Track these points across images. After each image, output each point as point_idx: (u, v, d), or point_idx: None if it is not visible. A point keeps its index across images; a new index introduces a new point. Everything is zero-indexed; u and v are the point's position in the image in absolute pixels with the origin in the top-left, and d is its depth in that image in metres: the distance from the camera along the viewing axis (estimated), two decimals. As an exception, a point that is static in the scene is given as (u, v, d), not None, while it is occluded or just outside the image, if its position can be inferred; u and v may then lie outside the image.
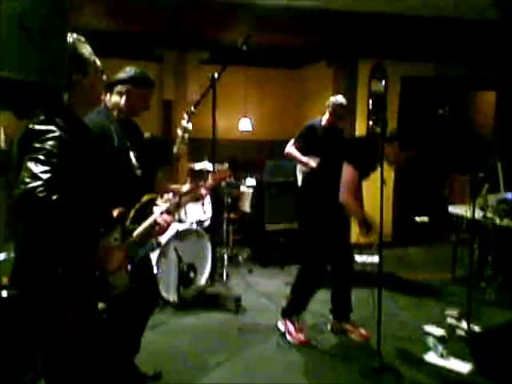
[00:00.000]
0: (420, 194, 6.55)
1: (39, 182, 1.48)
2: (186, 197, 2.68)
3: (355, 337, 3.56)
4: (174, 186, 3.46)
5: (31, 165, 1.52)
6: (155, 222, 2.18)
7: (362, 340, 3.51)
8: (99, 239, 1.74)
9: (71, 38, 1.78)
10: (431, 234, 6.46)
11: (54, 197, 1.49)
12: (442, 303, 4.28)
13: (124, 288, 1.86)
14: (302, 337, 3.47)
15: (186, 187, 4.53)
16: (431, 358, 3.26)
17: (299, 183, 4.35)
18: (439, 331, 3.36)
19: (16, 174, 1.56)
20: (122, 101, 2.52)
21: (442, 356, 3.23)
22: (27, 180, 1.49)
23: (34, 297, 1.67)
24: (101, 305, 1.73)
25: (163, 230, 2.25)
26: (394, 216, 6.51)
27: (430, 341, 3.36)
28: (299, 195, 3.86)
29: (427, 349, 3.33)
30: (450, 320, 3.78)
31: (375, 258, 5.29)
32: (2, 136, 4.18)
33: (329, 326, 3.70)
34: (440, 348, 3.26)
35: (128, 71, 2.56)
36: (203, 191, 2.80)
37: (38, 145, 1.56)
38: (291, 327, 3.51)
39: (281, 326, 3.60)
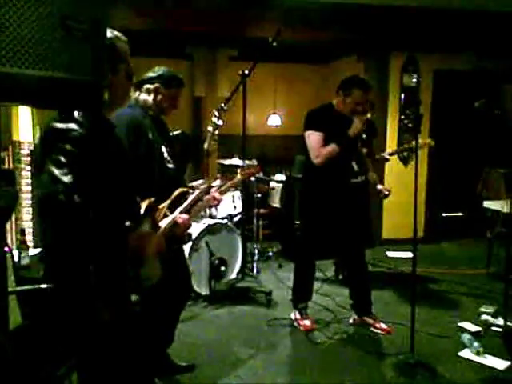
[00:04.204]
0: (453, 189, 6.42)
1: (60, 185, 1.47)
2: (204, 201, 2.64)
3: (377, 331, 3.56)
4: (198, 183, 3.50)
5: (52, 167, 1.51)
6: (175, 222, 2.18)
7: (385, 334, 3.51)
8: (128, 232, 1.72)
9: (111, 34, 1.76)
10: (465, 229, 6.32)
11: (76, 198, 1.49)
12: (477, 299, 4.20)
13: (157, 279, 1.86)
14: (307, 323, 3.61)
15: (215, 183, 4.59)
16: (466, 354, 3.20)
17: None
18: (475, 328, 3.30)
19: (38, 173, 1.57)
20: (150, 99, 2.56)
21: (477, 353, 3.17)
22: (48, 183, 1.49)
23: (66, 295, 1.69)
24: (134, 297, 1.73)
25: (183, 230, 2.24)
26: (426, 212, 6.40)
27: (466, 337, 3.31)
28: (301, 192, 3.82)
29: (462, 345, 3.28)
30: (485, 316, 3.71)
31: (408, 254, 5.23)
32: (38, 134, 4.31)
33: (351, 321, 3.71)
34: (476, 345, 3.20)
35: (157, 70, 2.59)
36: (217, 196, 2.76)
37: (59, 144, 1.55)
38: (298, 315, 3.67)
39: (292, 315, 3.73)
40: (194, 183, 2.76)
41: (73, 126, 1.57)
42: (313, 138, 3.40)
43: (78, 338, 1.76)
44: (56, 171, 1.49)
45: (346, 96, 3.39)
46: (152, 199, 1.89)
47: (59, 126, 1.58)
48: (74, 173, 1.50)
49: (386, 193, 4.11)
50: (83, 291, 1.65)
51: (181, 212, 2.20)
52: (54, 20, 1.22)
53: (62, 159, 1.51)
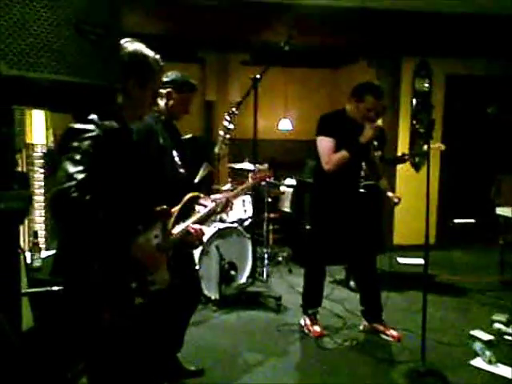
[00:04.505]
0: (466, 195, 6.37)
1: (73, 183, 1.50)
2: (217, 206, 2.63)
3: (387, 338, 3.53)
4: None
5: (67, 164, 1.54)
6: (188, 231, 2.18)
7: (395, 341, 3.48)
8: (136, 236, 1.73)
9: (149, 51, 1.83)
10: (477, 236, 6.26)
11: (88, 197, 1.51)
12: (489, 307, 4.15)
13: (164, 284, 1.85)
14: (317, 329, 3.58)
15: (226, 187, 4.59)
16: (478, 363, 3.16)
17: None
18: (487, 336, 3.26)
19: (55, 171, 1.60)
20: (162, 103, 2.57)
21: (489, 362, 3.13)
22: (62, 180, 1.51)
23: (72, 293, 1.70)
24: (138, 300, 1.74)
25: (195, 239, 2.23)
26: (438, 218, 6.35)
27: (477, 346, 3.26)
28: (312, 197, 3.80)
29: (474, 354, 3.24)
30: (497, 325, 3.66)
31: (419, 261, 5.19)
32: (51, 137, 4.34)
33: (361, 327, 3.69)
34: (487, 353, 3.16)
35: (170, 75, 2.60)
36: (232, 200, 2.76)
37: (75, 144, 1.57)
38: (308, 320, 3.64)
39: (302, 321, 3.71)
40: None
41: (90, 126, 1.61)
42: (324, 143, 3.39)
43: (86, 339, 1.77)
44: (71, 169, 1.52)
45: (359, 102, 3.37)
46: (164, 206, 1.90)
47: (77, 126, 1.61)
48: (87, 172, 1.53)
49: (396, 200, 4.08)
50: (87, 287, 1.66)
51: (194, 222, 2.20)
52: (68, 24, 1.23)
53: (78, 157, 1.54)
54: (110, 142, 1.66)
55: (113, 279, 1.67)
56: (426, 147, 3.14)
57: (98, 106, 1.56)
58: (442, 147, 4.44)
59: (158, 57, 1.87)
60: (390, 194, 4.20)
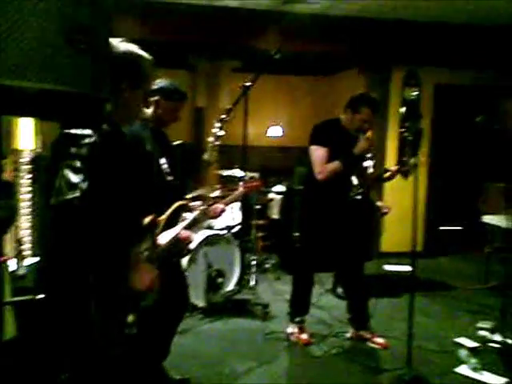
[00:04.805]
0: (453, 203, 6.42)
1: (77, 193, 1.46)
2: (205, 214, 2.63)
3: (374, 345, 3.55)
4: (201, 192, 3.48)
5: (69, 173, 1.49)
6: (178, 237, 2.17)
7: (381, 348, 3.51)
8: (132, 247, 1.71)
9: (141, 52, 1.80)
10: (464, 243, 6.31)
11: (93, 207, 1.48)
12: (474, 315, 4.17)
13: (154, 298, 1.83)
14: (304, 336, 3.59)
15: (215, 193, 4.58)
16: (463, 370, 3.18)
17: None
18: (472, 343, 3.29)
19: (48, 178, 1.54)
20: (150, 111, 2.56)
21: (474, 369, 3.15)
22: (64, 189, 1.46)
23: (62, 304, 1.66)
24: (131, 317, 1.69)
25: (185, 246, 2.23)
26: (425, 225, 6.40)
27: (463, 353, 3.29)
28: (301, 204, 3.81)
29: (459, 361, 3.26)
30: (482, 332, 3.69)
31: (406, 268, 5.22)
32: (40, 142, 4.32)
33: (348, 335, 3.70)
34: (473, 361, 3.18)
35: (158, 82, 2.58)
36: (221, 206, 2.77)
37: (74, 150, 1.53)
38: (295, 328, 3.64)
39: (289, 328, 3.70)
40: (193, 203, 2.71)
41: (88, 131, 1.56)
42: (317, 153, 3.39)
43: (71, 350, 1.74)
44: (73, 178, 1.47)
45: (355, 113, 3.38)
46: (153, 216, 1.88)
47: (74, 131, 1.56)
48: (89, 179, 1.49)
49: (386, 210, 4.11)
50: (79, 298, 1.62)
51: (182, 229, 2.19)
52: (56, 32, 1.22)
53: (79, 164, 1.49)
54: (108, 147, 1.62)
55: (109, 292, 1.63)
56: (412, 160, 3.17)
57: (87, 115, 1.54)
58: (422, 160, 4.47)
59: (150, 57, 1.84)
60: (379, 203, 4.22)
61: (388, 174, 4.24)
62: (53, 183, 1.50)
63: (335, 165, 3.34)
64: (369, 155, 3.52)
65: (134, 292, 1.71)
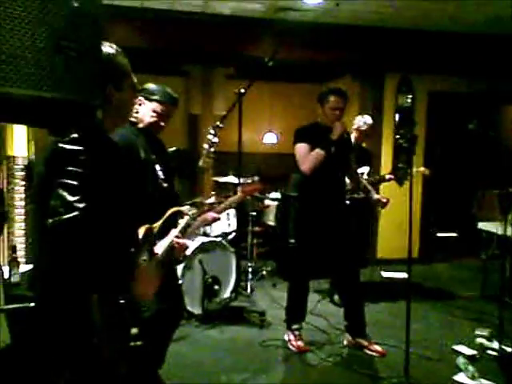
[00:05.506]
0: (448, 210, 6.43)
1: (75, 213, 1.41)
2: (198, 221, 2.61)
3: (371, 353, 3.52)
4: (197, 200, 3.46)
5: (64, 192, 1.44)
6: (173, 246, 2.15)
7: (378, 356, 3.48)
8: (134, 260, 1.68)
9: (111, 49, 1.72)
10: (459, 250, 6.32)
11: (91, 226, 1.44)
12: (471, 322, 4.16)
13: (155, 309, 1.80)
14: (301, 344, 3.57)
15: (210, 200, 4.56)
16: (461, 378, 3.16)
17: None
18: (469, 351, 3.27)
19: (41, 194, 1.51)
20: (134, 111, 2.50)
21: (472, 377, 3.13)
22: (61, 210, 1.42)
23: (57, 313, 1.62)
24: (134, 330, 1.65)
25: (180, 254, 2.20)
26: (421, 232, 6.40)
27: (460, 361, 3.27)
28: (295, 210, 3.79)
29: (457, 369, 3.24)
30: (480, 340, 3.67)
31: (402, 274, 5.21)
32: (33, 148, 4.28)
33: (345, 342, 3.67)
34: (471, 369, 3.16)
35: (145, 85, 2.52)
36: (212, 215, 2.74)
37: (69, 168, 1.48)
38: (292, 336, 3.62)
39: (285, 336, 3.69)
40: (183, 208, 2.66)
41: (81, 148, 1.51)
42: (299, 149, 3.52)
43: (67, 359, 1.71)
44: (69, 197, 1.43)
45: (323, 105, 3.53)
46: (149, 226, 1.85)
47: (69, 147, 1.51)
48: (86, 199, 1.44)
49: (384, 200, 4.13)
50: (82, 319, 1.58)
51: (176, 236, 2.17)
52: (47, 39, 1.21)
53: (75, 183, 1.45)
54: (102, 163, 1.58)
55: (112, 304, 1.58)
56: (410, 169, 3.18)
57: (77, 122, 1.52)
58: (426, 172, 4.54)
59: (115, 47, 1.75)
60: (376, 196, 4.23)
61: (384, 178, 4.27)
62: (48, 202, 1.45)
63: (316, 151, 3.43)
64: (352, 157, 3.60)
65: (136, 303, 1.68)
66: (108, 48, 1.72)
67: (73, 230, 1.41)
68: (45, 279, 1.65)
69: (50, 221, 1.41)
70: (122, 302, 1.60)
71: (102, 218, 1.51)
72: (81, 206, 1.42)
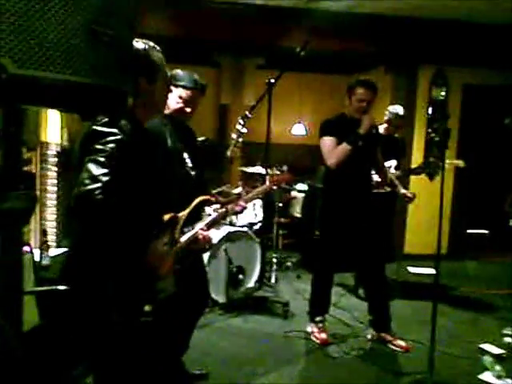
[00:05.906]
0: (479, 207, 6.28)
1: (98, 184, 1.50)
2: (225, 216, 2.59)
3: (395, 348, 3.49)
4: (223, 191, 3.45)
5: (92, 166, 1.54)
6: (196, 237, 2.17)
7: (402, 351, 3.45)
8: (151, 242, 1.74)
9: (146, 45, 1.81)
10: (490, 247, 6.17)
11: (112, 199, 1.51)
12: (500, 320, 4.07)
13: (172, 291, 1.86)
14: (324, 336, 3.55)
15: (237, 190, 4.58)
16: (487, 377, 3.10)
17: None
18: (497, 350, 3.20)
19: (76, 174, 1.59)
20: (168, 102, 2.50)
21: (498, 377, 3.07)
22: (86, 181, 1.51)
23: (83, 294, 1.70)
24: (147, 307, 1.74)
25: (203, 246, 2.22)
26: (451, 228, 6.27)
27: (487, 360, 3.20)
28: (321, 204, 3.76)
29: (483, 368, 3.17)
30: (508, 339, 3.58)
31: (430, 270, 5.12)
32: (65, 135, 4.37)
33: (369, 336, 3.64)
34: (497, 368, 3.09)
35: (172, 71, 2.51)
36: (240, 204, 2.71)
37: (99, 146, 1.58)
38: (315, 328, 3.61)
39: (308, 328, 3.68)
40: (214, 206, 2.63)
41: (115, 130, 1.61)
42: (325, 142, 3.45)
43: (92, 339, 1.77)
44: (95, 171, 1.52)
45: (351, 96, 3.46)
46: (174, 214, 1.90)
47: (101, 129, 1.61)
48: (112, 174, 1.53)
49: (410, 195, 4.06)
50: (101, 292, 1.66)
51: (201, 228, 2.19)
52: (80, 24, 1.22)
53: (102, 160, 1.54)
54: (132, 145, 1.66)
55: (126, 282, 1.67)
56: (442, 164, 3.10)
57: (110, 108, 1.55)
58: (461, 164, 4.43)
59: (152, 44, 1.84)
60: (403, 190, 4.16)
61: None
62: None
63: (342, 146, 3.36)
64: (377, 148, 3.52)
65: (150, 281, 1.73)
66: (141, 44, 1.79)
67: (94, 199, 1.49)
68: (72, 252, 1.77)
69: (76, 190, 1.51)
70: (138, 272, 1.67)
71: (124, 195, 1.58)
72: (104, 179, 1.51)
